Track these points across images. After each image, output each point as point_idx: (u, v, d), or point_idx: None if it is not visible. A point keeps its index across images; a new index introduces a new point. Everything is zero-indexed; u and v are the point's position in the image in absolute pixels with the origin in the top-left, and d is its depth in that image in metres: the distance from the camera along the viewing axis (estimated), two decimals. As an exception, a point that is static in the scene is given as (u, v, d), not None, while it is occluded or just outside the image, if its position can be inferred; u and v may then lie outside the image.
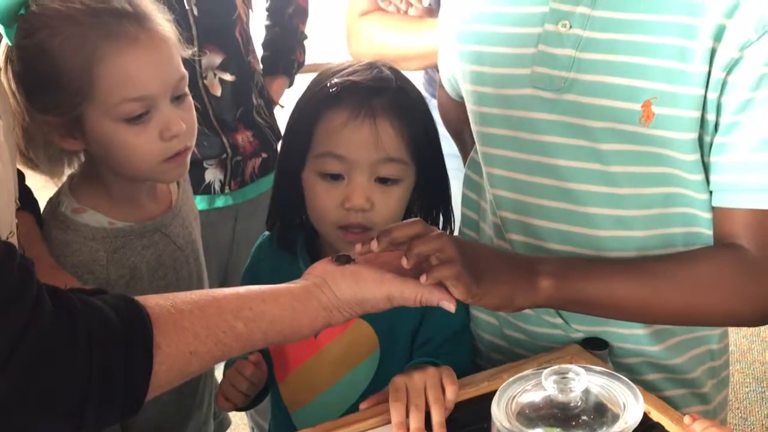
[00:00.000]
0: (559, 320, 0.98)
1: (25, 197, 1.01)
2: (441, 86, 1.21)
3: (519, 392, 0.75)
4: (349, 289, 0.78)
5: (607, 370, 0.78)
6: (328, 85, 0.97)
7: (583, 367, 0.74)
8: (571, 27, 0.90)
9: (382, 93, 0.95)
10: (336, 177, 0.95)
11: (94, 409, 0.63)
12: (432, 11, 1.52)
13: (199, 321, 0.70)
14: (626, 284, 0.88)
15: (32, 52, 0.94)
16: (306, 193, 0.99)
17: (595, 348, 0.97)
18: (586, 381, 0.72)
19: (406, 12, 1.52)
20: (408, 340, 1.01)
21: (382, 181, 0.96)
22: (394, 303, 0.79)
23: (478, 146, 1.02)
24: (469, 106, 1.02)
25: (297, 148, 0.99)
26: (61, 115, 0.96)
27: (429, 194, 1.03)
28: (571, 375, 0.72)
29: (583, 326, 0.98)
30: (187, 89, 1.03)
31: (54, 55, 0.93)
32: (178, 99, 1.00)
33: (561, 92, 0.91)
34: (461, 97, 1.11)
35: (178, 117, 0.99)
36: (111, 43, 0.93)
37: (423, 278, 0.77)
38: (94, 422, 0.64)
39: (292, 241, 1.06)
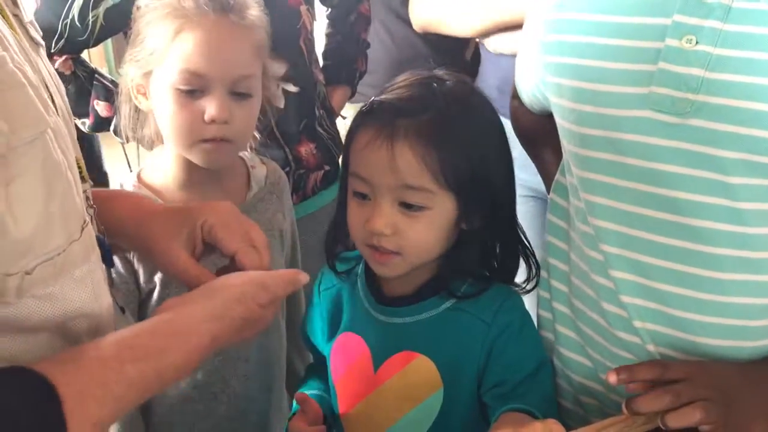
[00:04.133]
0: None
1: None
2: (516, 97, 1.05)
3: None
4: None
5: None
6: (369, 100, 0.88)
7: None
8: (697, 43, 0.74)
9: (411, 114, 0.83)
10: (365, 196, 0.86)
11: None
12: None
13: (95, 377, 0.56)
14: None
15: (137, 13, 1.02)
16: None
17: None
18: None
19: None
20: (473, 379, 0.88)
21: (407, 206, 0.83)
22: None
23: (575, 169, 0.86)
24: (565, 125, 0.86)
25: (344, 163, 0.91)
26: (140, 68, 1.01)
27: (488, 229, 0.88)
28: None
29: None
30: (252, 91, 1.02)
31: (149, 20, 0.99)
32: (239, 96, 1.00)
33: (685, 116, 0.75)
34: (543, 112, 0.96)
35: (228, 108, 0.99)
36: (195, 20, 0.97)
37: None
38: None
39: (350, 267, 0.97)
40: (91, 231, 0.64)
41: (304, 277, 0.76)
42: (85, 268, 0.61)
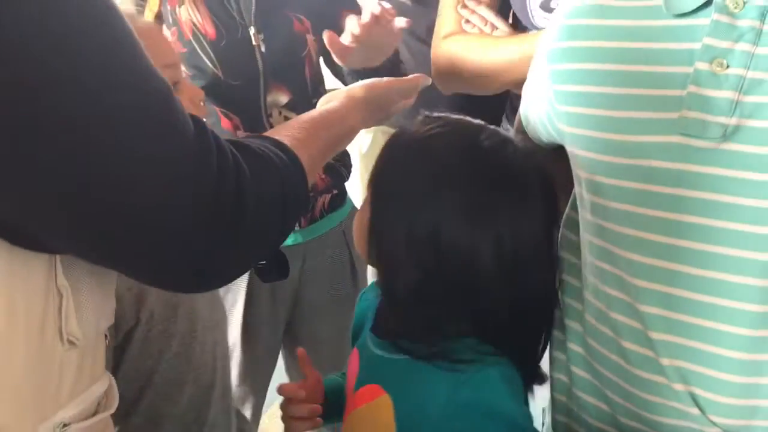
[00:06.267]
0: (695, 410, 0.73)
1: None
2: (520, 131, 0.99)
3: None
4: None
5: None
6: None
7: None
8: (728, 66, 0.67)
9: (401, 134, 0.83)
10: None
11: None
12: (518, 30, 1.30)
13: (310, 142, 0.74)
14: None
15: None
16: None
17: (740, 448, 0.73)
18: None
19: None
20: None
21: None
22: None
23: (595, 198, 0.78)
24: (584, 154, 0.79)
25: None
26: None
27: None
28: None
29: (722, 418, 0.73)
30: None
31: None
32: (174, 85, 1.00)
33: (719, 141, 0.68)
34: (551, 145, 0.89)
35: None
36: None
37: None
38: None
39: None
40: None
41: (426, 80, 0.97)
42: None
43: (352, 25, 1.03)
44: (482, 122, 0.81)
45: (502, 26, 1.26)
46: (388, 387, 0.81)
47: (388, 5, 1.06)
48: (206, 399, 1.01)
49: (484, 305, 0.76)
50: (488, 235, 0.74)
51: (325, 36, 0.99)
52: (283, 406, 0.94)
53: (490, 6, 1.28)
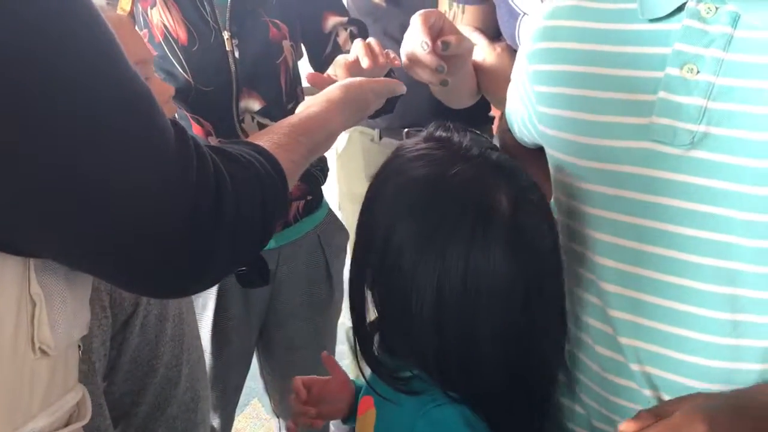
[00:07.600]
0: None
1: None
2: (506, 130, 0.98)
3: None
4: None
5: None
6: None
7: None
8: (698, 72, 0.66)
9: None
10: None
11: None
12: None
13: (290, 148, 0.73)
14: None
15: None
16: None
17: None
18: None
19: None
20: None
21: None
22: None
23: (570, 201, 0.78)
24: (558, 156, 0.78)
25: None
26: None
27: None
28: None
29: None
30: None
31: None
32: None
33: (688, 148, 0.67)
34: (535, 145, 0.89)
35: None
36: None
37: None
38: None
39: None
40: None
41: (402, 88, 0.94)
42: None
43: (340, 67, 1.03)
44: (484, 152, 0.73)
45: (481, 40, 1.25)
46: (376, 402, 0.80)
47: (374, 41, 1.05)
48: (197, 375, 1.02)
49: (419, 335, 0.71)
50: (430, 265, 0.69)
51: (308, 78, 0.99)
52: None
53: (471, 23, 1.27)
